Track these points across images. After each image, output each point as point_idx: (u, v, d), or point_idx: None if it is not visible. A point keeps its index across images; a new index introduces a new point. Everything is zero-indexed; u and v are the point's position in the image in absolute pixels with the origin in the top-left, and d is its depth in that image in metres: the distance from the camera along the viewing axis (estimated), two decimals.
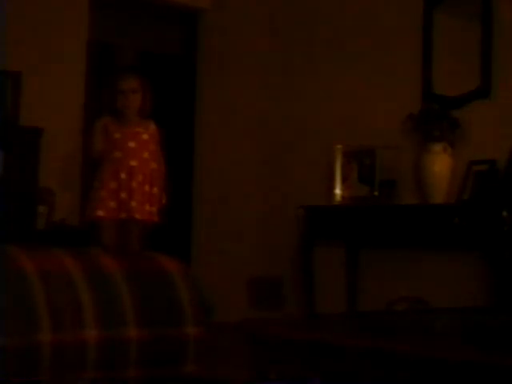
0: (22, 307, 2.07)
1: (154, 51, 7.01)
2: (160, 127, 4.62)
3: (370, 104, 5.10)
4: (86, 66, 5.60)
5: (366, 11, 5.19)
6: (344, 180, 4.90)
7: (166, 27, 6.94)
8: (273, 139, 5.67)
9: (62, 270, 2.22)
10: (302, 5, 5.58)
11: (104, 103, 4.61)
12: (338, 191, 4.92)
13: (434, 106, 4.69)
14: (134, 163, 4.44)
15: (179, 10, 6.23)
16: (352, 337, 2.14)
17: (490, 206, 4.16)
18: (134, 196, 4.40)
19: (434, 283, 4.62)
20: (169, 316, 2.32)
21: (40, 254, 2.31)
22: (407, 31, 4.95)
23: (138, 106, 4.52)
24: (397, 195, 4.80)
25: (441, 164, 4.52)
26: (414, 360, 1.89)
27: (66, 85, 5.48)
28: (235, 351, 3.27)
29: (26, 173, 5.01)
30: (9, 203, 4.78)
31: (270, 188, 5.68)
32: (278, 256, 5.52)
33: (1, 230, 4.36)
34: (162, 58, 7.00)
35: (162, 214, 4.56)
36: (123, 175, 4.42)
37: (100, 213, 4.42)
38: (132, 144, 4.46)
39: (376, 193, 4.77)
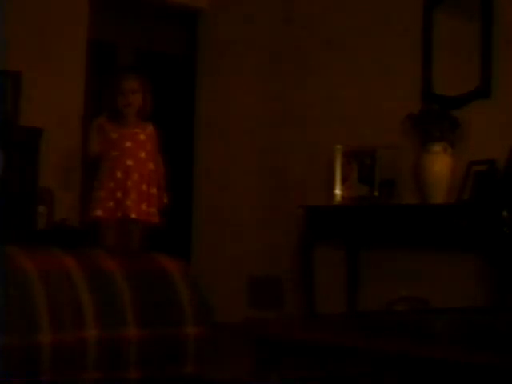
0: (22, 307, 2.07)
1: (154, 51, 7.01)
2: (160, 127, 4.61)
3: (370, 104, 5.10)
4: (86, 66, 5.61)
5: (366, 11, 5.19)
6: (344, 180, 4.90)
7: (165, 27, 6.94)
8: (273, 139, 5.67)
9: (62, 270, 2.22)
10: (302, 5, 5.58)
11: (104, 103, 4.61)
12: (337, 191, 4.92)
13: (434, 106, 4.69)
14: (130, 162, 4.44)
15: (179, 10, 6.23)
16: (352, 337, 2.14)
17: (490, 206, 4.16)
18: (129, 195, 4.40)
19: (434, 283, 4.62)
20: (169, 316, 2.32)
21: (40, 253, 2.31)
22: (407, 31, 4.95)
23: (137, 106, 4.51)
24: (397, 195, 4.80)
25: (441, 164, 4.52)
26: (413, 360, 1.89)
27: (66, 84, 5.48)
28: (235, 351, 3.27)
29: (26, 173, 5.01)
30: (9, 203, 4.78)
31: (270, 188, 5.68)
32: (278, 256, 5.52)
33: (1, 230, 4.36)
34: (162, 57, 7.01)
35: (163, 215, 4.55)
36: (119, 174, 4.41)
37: (99, 213, 4.41)
38: (128, 144, 4.46)
39: (376, 193, 4.77)
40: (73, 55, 5.53)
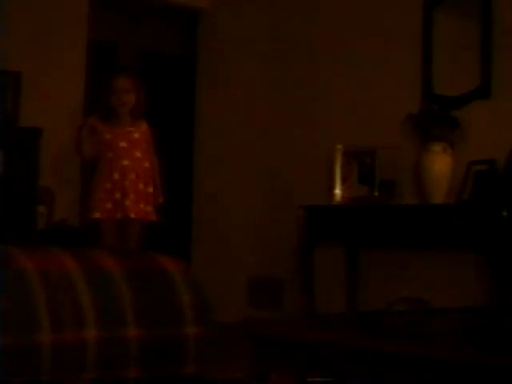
0: (22, 307, 2.07)
1: (154, 51, 7.01)
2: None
3: (370, 104, 5.10)
4: (85, 66, 5.60)
5: (366, 11, 5.19)
6: (344, 180, 4.91)
7: (166, 27, 6.93)
8: (273, 139, 5.67)
9: (62, 270, 2.22)
10: (302, 5, 5.58)
11: (97, 103, 4.62)
12: (337, 191, 4.92)
13: (434, 106, 4.69)
14: (126, 162, 4.44)
15: (179, 10, 6.23)
16: (352, 337, 2.14)
17: (490, 206, 4.16)
18: (128, 195, 4.40)
19: (434, 283, 4.62)
20: (169, 316, 2.31)
21: (40, 253, 2.31)
22: (407, 31, 4.95)
23: (130, 105, 4.52)
24: (397, 195, 4.80)
25: (441, 164, 4.52)
26: (413, 360, 1.89)
27: (66, 85, 5.47)
28: (235, 351, 3.27)
29: (26, 173, 5.01)
30: (9, 203, 4.78)
31: (270, 188, 5.68)
32: (278, 256, 5.52)
33: (1, 230, 4.36)
34: (162, 57, 7.01)
35: (160, 213, 4.55)
36: (116, 175, 4.42)
37: (97, 214, 4.42)
38: (123, 144, 4.47)
39: (376, 193, 4.77)
40: (73, 55, 5.53)
